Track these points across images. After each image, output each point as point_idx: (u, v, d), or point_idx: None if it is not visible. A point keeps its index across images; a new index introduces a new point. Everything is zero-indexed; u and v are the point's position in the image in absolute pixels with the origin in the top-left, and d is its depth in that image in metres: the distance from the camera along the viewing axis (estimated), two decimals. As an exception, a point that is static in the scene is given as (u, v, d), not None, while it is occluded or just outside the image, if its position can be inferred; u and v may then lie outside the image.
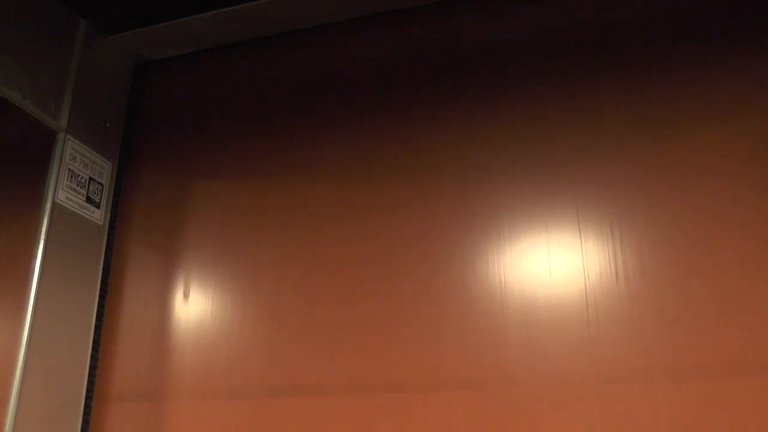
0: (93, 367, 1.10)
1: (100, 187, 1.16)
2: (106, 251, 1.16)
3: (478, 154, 1.03)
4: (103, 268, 1.15)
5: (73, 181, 1.11)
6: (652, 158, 0.94)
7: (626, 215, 0.93)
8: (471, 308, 0.95)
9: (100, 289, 1.13)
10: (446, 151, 1.05)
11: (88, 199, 1.14)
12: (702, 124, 0.93)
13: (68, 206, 1.09)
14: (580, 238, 0.94)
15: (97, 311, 1.12)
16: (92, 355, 1.10)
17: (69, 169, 1.10)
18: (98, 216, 1.15)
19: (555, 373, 0.88)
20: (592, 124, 0.99)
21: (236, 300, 1.08)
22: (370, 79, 1.15)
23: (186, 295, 1.12)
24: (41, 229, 1.05)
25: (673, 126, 0.95)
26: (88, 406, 1.08)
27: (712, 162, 0.91)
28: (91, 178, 1.15)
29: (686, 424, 0.81)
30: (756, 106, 0.92)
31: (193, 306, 1.11)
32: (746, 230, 0.87)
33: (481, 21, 1.11)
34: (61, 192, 1.08)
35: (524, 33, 1.08)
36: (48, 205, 1.06)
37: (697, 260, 0.88)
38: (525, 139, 1.02)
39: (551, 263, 0.94)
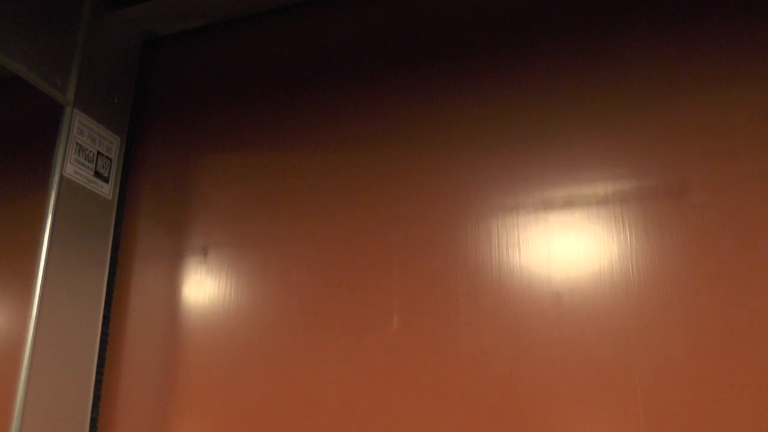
0: (103, 342, 1.09)
1: (108, 162, 1.15)
2: (116, 226, 1.15)
3: (486, 130, 1.01)
4: (113, 243, 1.14)
5: (81, 155, 1.10)
6: (663, 129, 0.91)
7: (637, 192, 0.89)
8: (482, 287, 0.93)
9: (110, 264, 1.12)
10: (462, 125, 1.03)
11: (97, 174, 1.13)
12: (718, 87, 0.90)
13: (76, 180, 1.08)
14: (589, 217, 0.91)
15: (107, 286, 1.11)
16: (102, 330, 1.09)
17: (77, 143, 1.09)
18: (107, 190, 1.14)
19: (565, 358, 0.86)
20: (597, 98, 0.96)
21: (247, 275, 1.07)
22: (379, 53, 1.12)
23: (196, 270, 1.11)
24: (49, 202, 1.04)
25: (678, 95, 0.91)
26: (99, 381, 1.08)
27: (727, 126, 0.88)
28: (99, 153, 1.14)
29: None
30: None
31: (203, 281, 1.09)
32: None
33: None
34: (69, 166, 1.07)
35: (524, 2, 1.05)
36: (56, 179, 1.05)
37: (714, 235, 0.84)
38: (535, 115, 0.99)
39: (559, 243, 0.91)
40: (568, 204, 0.92)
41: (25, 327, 0.99)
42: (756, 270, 0.81)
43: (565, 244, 0.90)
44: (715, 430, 0.77)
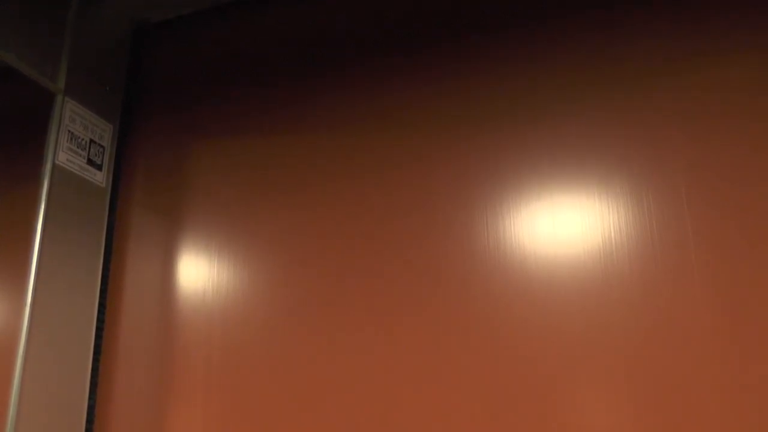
0: (99, 330, 1.09)
1: (101, 150, 1.15)
2: (110, 213, 1.15)
3: (490, 111, 1.00)
4: (107, 231, 1.14)
5: (73, 142, 1.09)
6: (667, 112, 0.90)
7: (639, 168, 0.89)
8: (486, 267, 0.92)
9: (105, 252, 1.12)
10: (461, 107, 1.02)
11: (90, 162, 1.12)
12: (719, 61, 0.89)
13: (69, 168, 1.08)
14: (596, 196, 0.90)
15: (102, 273, 1.11)
16: (98, 318, 1.09)
17: (69, 131, 1.09)
18: (100, 178, 1.14)
19: (569, 332, 0.85)
20: (604, 76, 0.95)
21: (244, 263, 1.07)
22: (378, 36, 1.11)
23: (189, 256, 1.10)
24: (42, 190, 1.04)
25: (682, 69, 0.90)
26: (95, 369, 1.08)
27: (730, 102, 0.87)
28: (91, 141, 1.13)
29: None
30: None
31: (200, 268, 1.09)
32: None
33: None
34: (62, 154, 1.07)
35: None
36: (48, 167, 1.05)
37: (718, 212, 0.83)
38: (539, 94, 0.98)
39: (566, 221, 0.90)
40: (566, 185, 0.91)
41: (20, 315, 0.99)
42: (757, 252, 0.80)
43: (565, 225, 0.90)
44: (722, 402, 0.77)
